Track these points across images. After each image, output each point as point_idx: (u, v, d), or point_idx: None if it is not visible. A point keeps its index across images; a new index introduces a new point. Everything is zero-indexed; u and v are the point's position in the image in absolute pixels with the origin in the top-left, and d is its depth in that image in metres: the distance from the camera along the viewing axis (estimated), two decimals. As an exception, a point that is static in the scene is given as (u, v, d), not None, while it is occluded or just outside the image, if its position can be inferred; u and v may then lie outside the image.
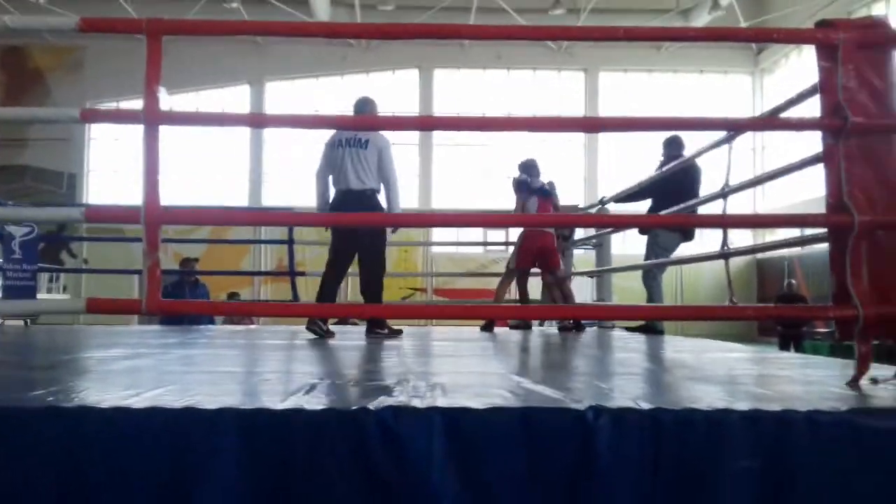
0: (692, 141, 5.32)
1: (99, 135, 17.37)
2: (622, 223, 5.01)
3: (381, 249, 5.30)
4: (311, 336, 4.88)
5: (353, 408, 1.86)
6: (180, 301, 4.73)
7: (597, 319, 6.56)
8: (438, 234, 15.94)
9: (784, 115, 3.19)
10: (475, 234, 14.72)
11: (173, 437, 1.79)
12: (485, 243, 15.16)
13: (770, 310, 5.04)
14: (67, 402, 1.96)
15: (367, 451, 1.80)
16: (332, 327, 5.29)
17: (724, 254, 3.59)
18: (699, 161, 5.33)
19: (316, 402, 1.97)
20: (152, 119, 2.45)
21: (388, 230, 5.50)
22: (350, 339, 5.02)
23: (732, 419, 1.82)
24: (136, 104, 2.46)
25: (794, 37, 3.95)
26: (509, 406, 1.90)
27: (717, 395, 2.23)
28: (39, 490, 1.76)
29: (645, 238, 6.09)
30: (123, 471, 1.77)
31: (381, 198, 5.25)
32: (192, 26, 2.75)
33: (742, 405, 1.91)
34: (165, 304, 2.63)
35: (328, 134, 5.46)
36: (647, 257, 6.02)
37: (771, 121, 3.43)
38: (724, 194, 3.91)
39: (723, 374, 2.91)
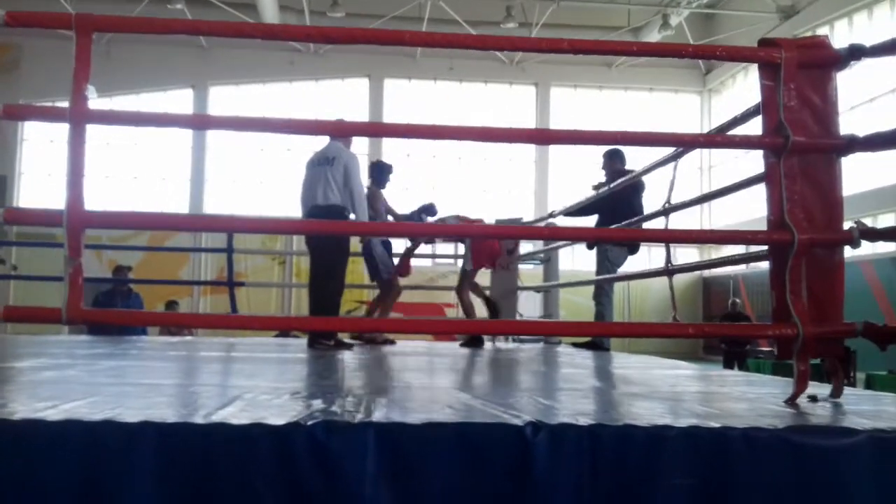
0: (638, 156, 5.37)
1: (32, 136, 16.80)
2: (572, 237, 5.01)
3: (335, 261, 5.35)
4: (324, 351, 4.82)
5: (283, 422, 1.78)
6: (103, 311, 4.55)
7: (544, 335, 6.54)
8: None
9: (730, 133, 3.22)
10: (422, 246, 14.67)
11: (89, 451, 1.69)
12: (433, 256, 15.10)
13: (711, 328, 5.07)
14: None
15: (297, 468, 1.73)
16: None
17: (669, 270, 3.60)
18: (645, 176, 5.38)
19: (244, 416, 1.88)
20: (79, 117, 2.34)
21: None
22: (291, 351, 4.91)
23: (671, 435, 1.79)
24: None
25: (738, 54, 3.99)
26: (446, 421, 1.84)
27: (658, 412, 2.20)
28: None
29: (593, 253, 6.11)
30: (36, 485, 1.67)
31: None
32: (124, 23, 2.63)
33: (681, 422, 1.89)
34: (88, 313, 2.50)
35: (268, 140, 5.47)
36: (599, 273, 6.03)
37: (714, 138, 3.46)
38: (666, 211, 3.94)
39: (665, 390, 2.90)
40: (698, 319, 16.84)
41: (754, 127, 2.82)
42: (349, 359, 4.33)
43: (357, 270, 17.21)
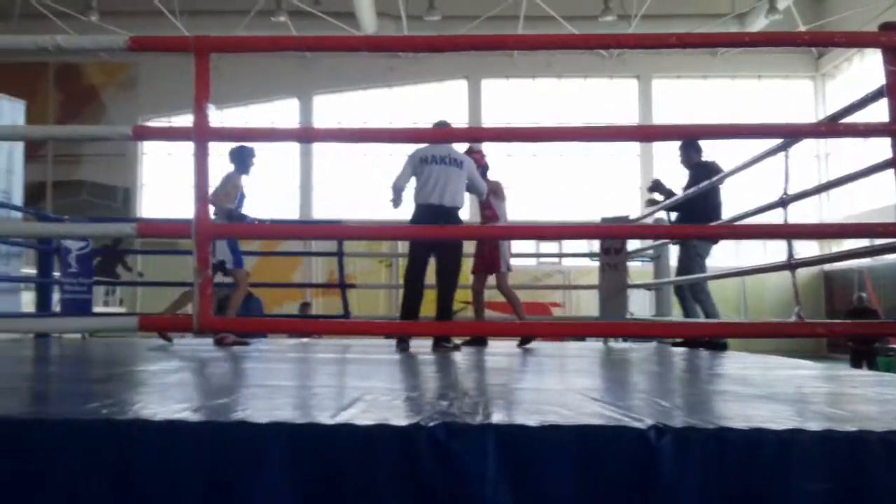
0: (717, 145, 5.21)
1: (152, 150, 17.76)
2: (685, 235, 4.85)
3: (459, 263, 5.51)
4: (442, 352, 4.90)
5: (405, 423, 1.82)
6: (231, 319, 4.76)
7: (655, 336, 6.37)
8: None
9: (848, 119, 3.07)
10: (527, 245, 14.63)
11: (224, 450, 1.78)
12: (538, 255, 15.03)
13: (842, 326, 4.79)
14: (122, 414, 1.96)
15: (419, 468, 1.76)
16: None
17: (792, 265, 3.46)
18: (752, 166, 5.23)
19: (367, 416, 1.93)
20: (202, 135, 2.46)
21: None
22: (402, 352, 4.99)
23: (803, 439, 1.72)
24: (188, 119, 2.48)
25: (858, 40, 3.76)
26: (566, 423, 1.83)
27: (787, 415, 2.12)
28: (94, 502, 1.76)
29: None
30: (175, 483, 1.77)
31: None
32: (239, 43, 2.76)
33: (813, 425, 1.81)
34: (217, 321, 2.63)
35: (378, 146, 5.57)
36: (686, 267, 5.87)
37: (833, 126, 3.29)
38: (783, 203, 3.78)
39: (791, 392, 2.79)
40: (821, 316, 15.99)
41: (875, 112, 2.68)
42: (460, 360, 4.37)
43: (464, 272, 17.40)
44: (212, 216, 5.33)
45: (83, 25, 15.03)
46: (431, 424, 1.80)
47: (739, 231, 4.48)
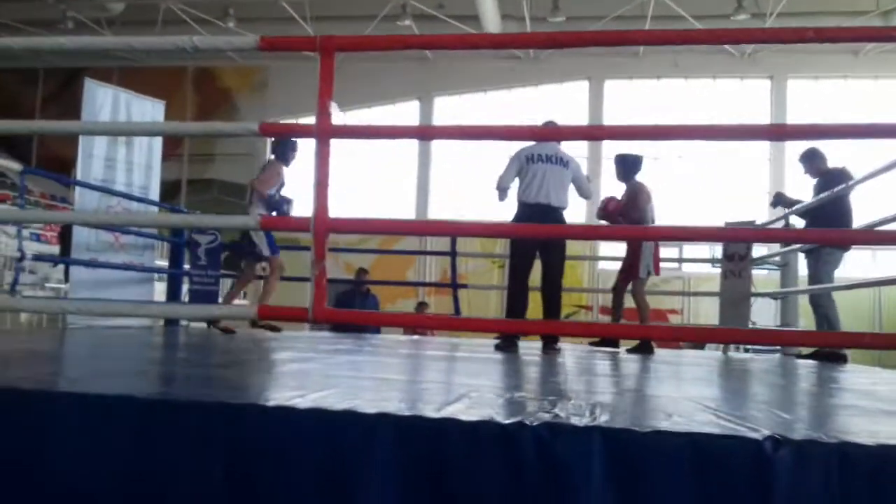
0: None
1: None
2: (814, 239, 4.59)
3: (564, 265, 5.48)
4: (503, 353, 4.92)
5: (509, 421, 1.81)
6: (345, 311, 4.91)
7: (780, 347, 6.08)
8: (605, 247, 15.57)
9: None
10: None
11: (334, 437, 1.83)
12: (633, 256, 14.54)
13: None
14: (238, 399, 2.05)
15: (522, 467, 1.74)
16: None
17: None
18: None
19: (472, 412, 1.93)
20: (324, 133, 2.53)
21: None
22: (509, 352, 4.98)
23: (938, 461, 1.59)
24: (313, 120, 2.56)
25: None
26: (677, 430, 1.77)
27: (920, 433, 1.97)
28: (210, 482, 1.84)
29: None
30: (286, 467, 1.83)
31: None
32: (363, 43, 2.83)
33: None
34: (331, 312, 2.70)
35: (497, 146, 5.61)
36: (817, 275, 5.57)
37: None
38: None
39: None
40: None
41: None
42: (568, 363, 4.31)
43: (575, 275, 17.18)
44: (251, 207, 5.71)
45: (220, 31, 15.86)
46: (535, 423, 1.78)
47: (875, 237, 4.21)
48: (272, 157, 6.23)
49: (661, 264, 6.19)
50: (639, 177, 6.01)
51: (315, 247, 2.49)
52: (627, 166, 5.99)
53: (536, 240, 5.25)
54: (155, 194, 7.05)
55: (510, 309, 5.35)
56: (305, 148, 5.52)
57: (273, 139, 6.29)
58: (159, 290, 7.79)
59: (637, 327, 5.13)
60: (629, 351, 5.70)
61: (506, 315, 5.39)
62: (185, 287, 7.34)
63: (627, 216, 5.86)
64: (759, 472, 1.63)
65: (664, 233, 4.98)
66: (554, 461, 1.73)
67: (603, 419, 1.89)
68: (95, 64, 15.46)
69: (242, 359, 3.73)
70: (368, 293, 9.70)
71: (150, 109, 6.90)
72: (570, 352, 5.35)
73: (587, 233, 4.60)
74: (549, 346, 5.22)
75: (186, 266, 7.30)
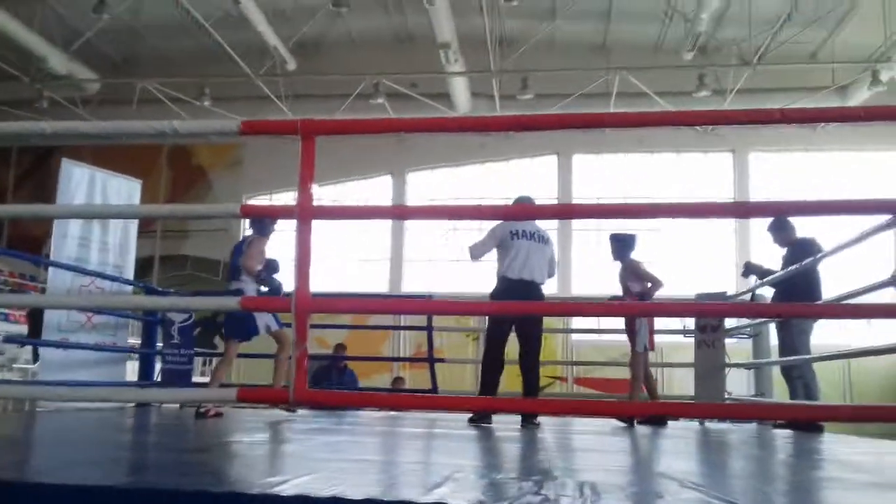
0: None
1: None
2: (792, 313, 4.66)
3: (541, 336, 5.56)
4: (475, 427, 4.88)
5: (496, 505, 1.79)
6: (327, 392, 4.86)
7: (757, 418, 6.09)
8: (578, 320, 15.64)
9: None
10: (617, 320, 14.29)
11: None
12: (628, 331, 14.64)
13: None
14: (218, 487, 2.01)
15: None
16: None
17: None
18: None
19: (459, 496, 1.91)
20: (305, 214, 2.56)
21: None
22: (484, 428, 4.93)
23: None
24: (288, 196, 2.60)
25: None
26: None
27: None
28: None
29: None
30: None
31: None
32: (342, 126, 2.89)
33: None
34: (312, 394, 2.68)
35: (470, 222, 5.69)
36: (790, 346, 5.65)
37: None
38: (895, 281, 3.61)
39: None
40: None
41: None
42: (547, 437, 4.28)
43: (549, 346, 17.18)
44: (240, 284, 5.51)
45: (195, 110, 16.01)
46: (526, 508, 1.76)
47: (850, 311, 4.28)
48: (251, 233, 6.05)
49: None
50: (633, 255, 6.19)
51: (297, 327, 2.49)
52: (623, 246, 6.17)
53: (515, 316, 5.28)
54: (130, 273, 7.00)
55: (484, 382, 5.34)
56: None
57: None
58: (130, 369, 7.65)
59: (628, 405, 5.15)
60: (639, 423, 5.78)
61: (480, 387, 5.36)
62: (157, 366, 7.21)
63: (642, 287, 6.01)
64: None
65: (649, 308, 5.04)
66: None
67: (592, 499, 1.88)
68: (69, 142, 15.52)
69: (217, 442, 3.64)
70: (345, 369, 9.63)
71: (126, 188, 6.91)
72: (549, 427, 5.31)
73: (570, 309, 4.65)
74: (529, 420, 5.20)
75: (159, 344, 7.19)
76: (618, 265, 6.26)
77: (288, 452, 3.19)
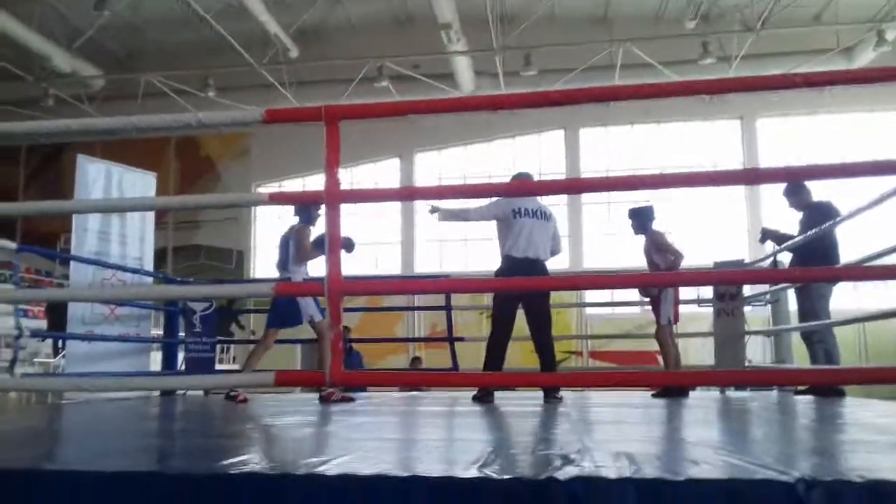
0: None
1: (262, 214, 18.56)
2: (812, 278, 4.67)
3: (550, 310, 5.51)
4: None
5: (542, 477, 1.82)
6: (362, 372, 4.90)
7: (782, 384, 6.13)
8: (591, 294, 15.68)
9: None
10: (630, 293, 14.33)
11: (367, 502, 1.83)
12: (640, 303, 14.70)
13: None
14: (266, 470, 2.05)
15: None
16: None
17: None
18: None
19: (502, 470, 1.95)
20: (333, 198, 2.59)
21: None
22: (507, 404, 4.98)
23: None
24: (296, 184, 2.62)
25: None
26: (711, 478, 1.80)
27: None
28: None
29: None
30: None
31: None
32: (364, 110, 2.91)
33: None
34: (348, 375, 2.72)
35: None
36: (811, 311, 5.66)
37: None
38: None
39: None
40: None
41: None
42: (572, 412, 4.32)
43: (563, 321, 17.24)
44: (288, 274, 5.50)
45: (200, 101, 16.03)
46: (567, 479, 1.80)
47: (871, 273, 4.30)
48: (296, 223, 5.85)
49: (648, 306, 6.39)
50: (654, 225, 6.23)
51: (330, 310, 2.53)
52: (643, 218, 6.20)
53: (521, 293, 5.32)
54: (149, 265, 7.08)
55: (490, 360, 5.36)
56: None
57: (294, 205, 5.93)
58: (154, 359, 7.75)
59: (644, 374, 5.17)
60: (654, 395, 5.79)
61: (484, 365, 5.37)
62: (180, 355, 7.30)
63: (665, 261, 6.03)
64: (794, 514, 1.66)
65: (668, 279, 5.06)
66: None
67: (632, 470, 1.91)
68: (77, 139, 15.57)
69: (246, 427, 3.69)
70: (351, 350, 9.71)
71: (141, 182, 6.96)
72: (571, 401, 5.36)
73: (584, 282, 4.68)
74: (552, 395, 5.24)
75: (181, 334, 7.28)
76: (642, 239, 6.27)
77: (320, 434, 3.24)
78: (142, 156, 13.12)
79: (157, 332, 8.08)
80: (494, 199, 5.54)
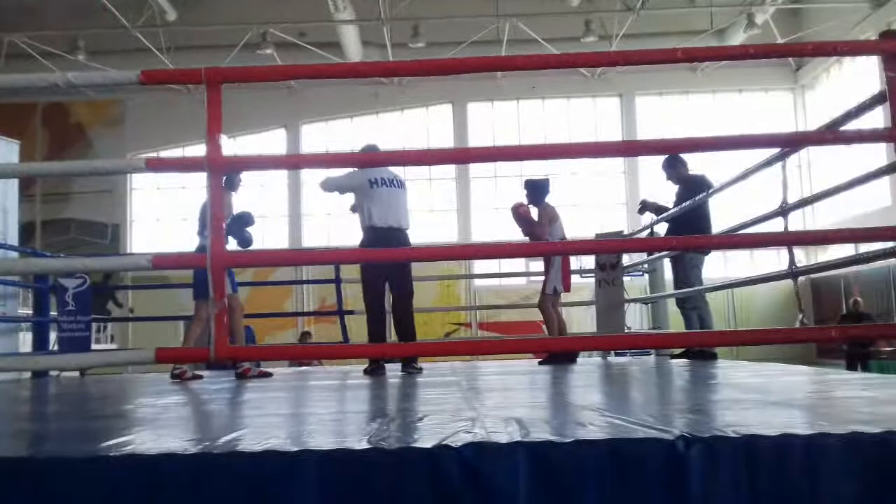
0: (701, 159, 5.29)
1: (140, 185, 17.71)
2: (687, 246, 4.90)
3: (412, 282, 5.53)
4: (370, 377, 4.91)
5: (432, 445, 1.83)
6: (247, 347, 4.75)
7: (654, 348, 6.42)
8: (480, 266, 15.92)
9: (843, 128, 3.13)
10: (517, 264, 14.65)
11: (256, 479, 1.78)
12: (527, 273, 15.08)
13: (858, 330, 4.83)
14: (147, 450, 1.96)
15: (449, 490, 1.76)
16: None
17: (794, 273, 3.51)
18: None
19: (395, 441, 1.94)
20: (216, 165, 2.49)
21: None
22: (398, 377, 5.00)
23: (831, 443, 1.75)
24: (174, 153, 2.51)
25: (860, 48, 3.91)
26: (597, 438, 1.85)
27: (808, 420, 2.15)
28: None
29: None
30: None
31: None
32: (248, 73, 2.79)
33: (839, 428, 1.84)
34: (233, 350, 2.63)
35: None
36: (686, 279, 5.94)
37: (838, 134, 3.34)
38: (783, 211, 3.84)
39: (803, 397, 2.82)
40: (811, 322, 16.08)
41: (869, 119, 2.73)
42: (460, 381, 4.37)
43: (453, 293, 17.44)
44: (205, 241, 5.29)
45: (69, 64, 15.05)
46: (459, 445, 1.81)
47: (744, 241, 4.54)
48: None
49: (533, 277, 6.50)
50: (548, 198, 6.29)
51: (213, 284, 2.43)
52: (538, 191, 6.26)
53: (386, 265, 5.30)
54: (14, 239, 6.59)
55: (372, 332, 5.39)
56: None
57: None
58: (24, 340, 7.27)
59: (527, 341, 5.28)
60: (541, 363, 5.91)
61: (369, 338, 5.38)
62: (52, 335, 6.88)
63: (533, 234, 6.08)
64: (675, 471, 1.74)
65: (551, 248, 5.16)
66: (481, 481, 1.76)
67: (522, 434, 1.95)
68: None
69: (127, 407, 3.53)
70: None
71: (2, 149, 6.46)
72: (460, 371, 5.42)
73: (470, 252, 4.72)
74: (410, 365, 5.29)
75: (53, 313, 6.86)
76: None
77: (206, 412, 3.14)
78: (4, 123, 12.23)
79: (26, 311, 7.58)
80: (349, 169, 5.48)
